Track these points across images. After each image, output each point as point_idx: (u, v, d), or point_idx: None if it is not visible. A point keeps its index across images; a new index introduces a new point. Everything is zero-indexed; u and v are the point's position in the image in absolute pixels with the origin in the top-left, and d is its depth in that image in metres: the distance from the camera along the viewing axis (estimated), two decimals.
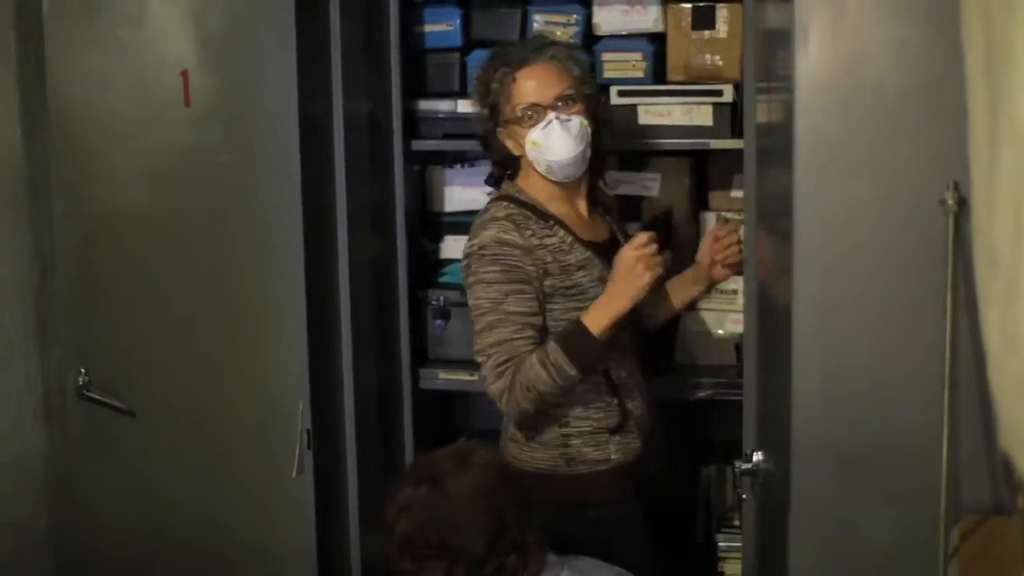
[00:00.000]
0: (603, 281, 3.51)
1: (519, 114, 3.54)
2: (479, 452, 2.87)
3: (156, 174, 3.98)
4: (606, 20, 4.12)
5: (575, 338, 3.40)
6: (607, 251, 3.59)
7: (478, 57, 4.17)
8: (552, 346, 3.41)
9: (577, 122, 3.53)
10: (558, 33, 4.13)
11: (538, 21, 4.18)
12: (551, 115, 3.52)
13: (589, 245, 3.60)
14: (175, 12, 3.92)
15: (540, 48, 3.61)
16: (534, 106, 3.54)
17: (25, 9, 4.02)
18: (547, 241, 3.54)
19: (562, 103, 3.54)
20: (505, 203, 3.59)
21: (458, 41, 4.23)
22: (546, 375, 3.38)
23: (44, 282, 4.15)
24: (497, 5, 4.24)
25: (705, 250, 3.82)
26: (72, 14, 3.95)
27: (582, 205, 3.68)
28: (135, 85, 3.96)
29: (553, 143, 3.52)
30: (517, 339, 3.45)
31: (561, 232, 3.57)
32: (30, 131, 4.08)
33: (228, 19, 3.89)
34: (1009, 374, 1.96)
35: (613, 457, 3.63)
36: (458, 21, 4.22)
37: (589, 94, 3.63)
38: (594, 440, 3.60)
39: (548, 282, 3.52)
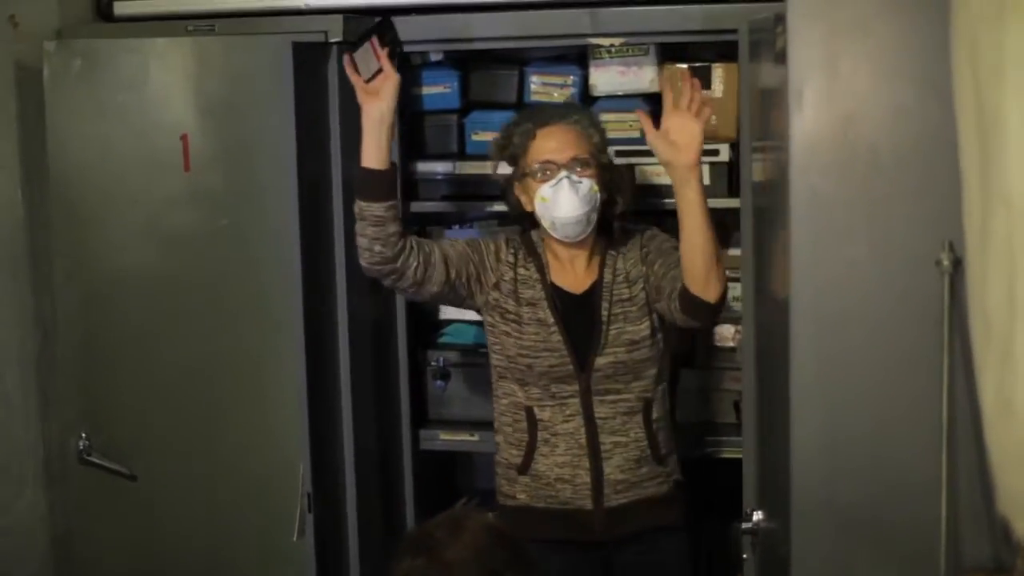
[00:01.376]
0: (542, 324, 3.69)
1: (534, 168, 3.67)
2: (472, 516, 2.86)
3: (156, 238, 3.99)
4: (602, 81, 4.14)
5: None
6: (578, 300, 3.73)
7: (476, 119, 4.21)
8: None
9: (587, 185, 3.64)
10: (555, 95, 4.16)
11: (535, 83, 4.21)
12: (563, 173, 3.64)
13: (558, 292, 3.74)
14: (175, 77, 3.95)
15: (566, 113, 3.77)
16: (548, 163, 3.65)
17: (26, 73, 4.04)
18: (520, 270, 3.76)
19: (576, 165, 3.64)
20: (511, 232, 3.92)
21: (456, 103, 4.25)
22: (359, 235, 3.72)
23: (45, 346, 4.16)
24: (495, 67, 4.27)
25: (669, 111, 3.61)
26: (72, 79, 3.97)
27: (579, 263, 3.75)
28: (135, 150, 3.98)
29: (560, 200, 3.63)
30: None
31: (536, 273, 3.75)
32: (31, 195, 4.10)
33: (227, 84, 3.91)
34: (1005, 439, 1.97)
35: (520, 497, 3.77)
36: (456, 83, 4.25)
37: (605, 163, 3.74)
38: (506, 475, 3.81)
39: (494, 295, 3.76)
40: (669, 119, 3.53)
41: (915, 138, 2.80)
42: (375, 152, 3.66)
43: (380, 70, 3.67)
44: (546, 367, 3.69)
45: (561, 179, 3.63)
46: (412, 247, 3.68)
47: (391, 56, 3.69)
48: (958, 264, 2.70)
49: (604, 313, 3.69)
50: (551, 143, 3.68)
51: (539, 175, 3.66)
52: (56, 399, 4.16)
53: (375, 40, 3.69)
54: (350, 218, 3.95)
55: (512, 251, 3.79)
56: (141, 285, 4.02)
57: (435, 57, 4.36)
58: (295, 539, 3.90)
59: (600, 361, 3.67)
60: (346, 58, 3.69)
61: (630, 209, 3.84)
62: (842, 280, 2.87)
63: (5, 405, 4.06)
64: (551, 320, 3.69)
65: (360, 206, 3.66)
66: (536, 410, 3.72)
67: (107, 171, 4.01)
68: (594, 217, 3.67)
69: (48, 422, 4.18)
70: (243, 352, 3.97)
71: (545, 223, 3.69)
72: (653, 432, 3.72)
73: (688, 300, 3.57)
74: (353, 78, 3.67)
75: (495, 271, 3.77)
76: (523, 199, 3.75)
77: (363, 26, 3.83)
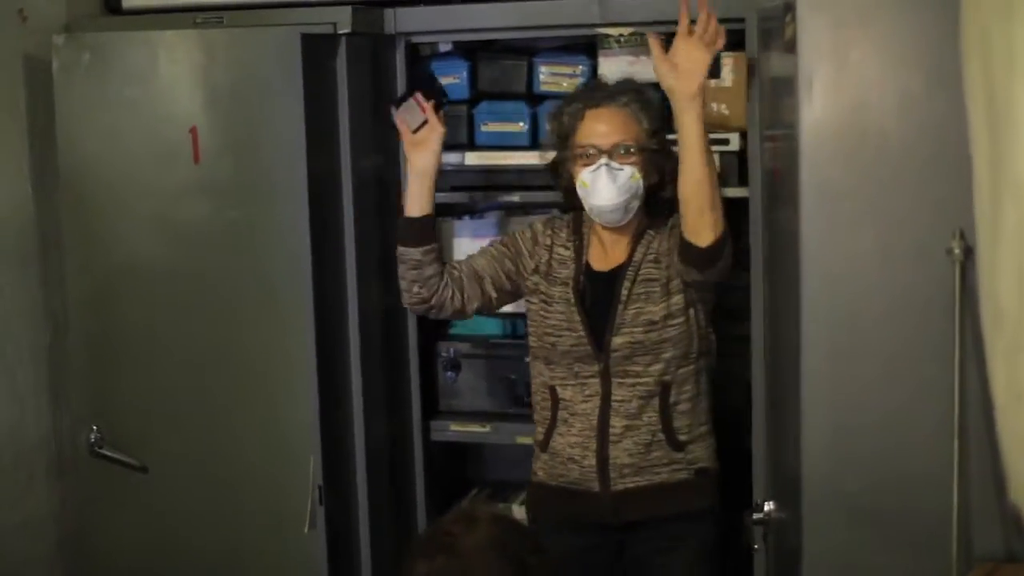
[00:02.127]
0: (568, 304, 3.70)
1: (578, 151, 3.66)
2: (483, 508, 2.86)
3: (166, 231, 3.99)
4: (611, 71, 4.12)
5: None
6: (604, 278, 3.72)
7: (485, 109, 4.20)
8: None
9: (628, 173, 3.62)
10: (564, 85, 4.15)
11: (544, 73, 4.20)
12: (603, 160, 3.62)
13: (588, 272, 3.74)
14: (184, 70, 3.94)
15: (617, 93, 3.72)
16: (592, 147, 3.64)
17: (35, 67, 4.05)
18: (557, 251, 3.78)
19: (619, 151, 3.63)
20: (559, 213, 3.96)
21: (465, 93, 4.24)
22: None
23: (56, 340, 4.16)
24: (504, 57, 4.26)
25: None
26: (82, 72, 3.97)
27: (621, 245, 3.73)
28: (144, 142, 3.97)
29: (599, 188, 3.62)
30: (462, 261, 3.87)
31: (574, 254, 3.75)
32: (41, 189, 4.10)
33: (236, 76, 3.91)
34: (1017, 428, 1.96)
35: (539, 474, 3.79)
36: (465, 74, 4.24)
37: (654, 149, 3.69)
38: (534, 452, 3.84)
39: (533, 279, 3.79)
40: (679, 44, 3.48)
41: (925, 127, 2.79)
42: (418, 202, 3.76)
43: (426, 121, 3.75)
44: (568, 346, 3.69)
45: (600, 166, 3.61)
46: (448, 282, 3.76)
47: (436, 108, 3.77)
48: (969, 253, 2.70)
49: (624, 293, 3.66)
50: (598, 126, 3.66)
51: (582, 159, 3.66)
52: (67, 392, 4.16)
53: (419, 94, 3.77)
54: (360, 210, 3.96)
55: (551, 232, 3.82)
56: (151, 278, 4.02)
57: (444, 47, 4.36)
58: (306, 531, 3.90)
59: (616, 341, 3.65)
60: (393, 111, 3.77)
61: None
62: (852, 269, 2.87)
63: (16, 399, 4.07)
64: (573, 299, 3.69)
65: (400, 250, 3.77)
66: (559, 389, 3.73)
67: (116, 164, 4.01)
68: (635, 205, 3.65)
69: (59, 415, 4.19)
70: (254, 344, 3.97)
71: (585, 207, 3.69)
72: (669, 417, 3.66)
73: (682, 246, 3.54)
74: (401, 128, 3.76)
75: (533, 256, 3.80)
76: (574, 179, 3.73)
77: (408, 84, 3.94)
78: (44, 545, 4.18)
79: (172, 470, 4.07)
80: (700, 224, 3.47)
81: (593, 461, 3.67)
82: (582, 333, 3.67)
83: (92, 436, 4.07)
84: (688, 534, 3.72)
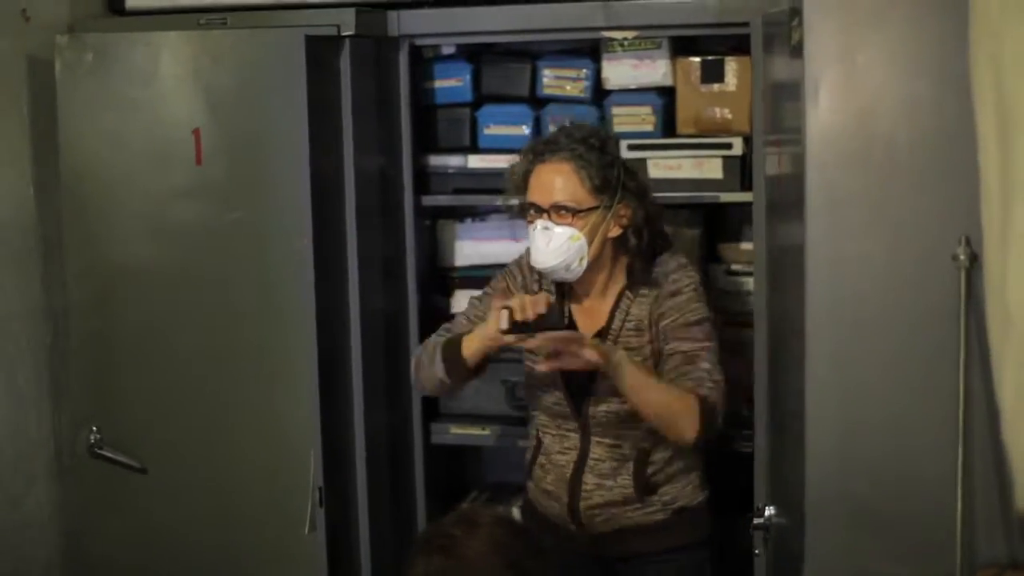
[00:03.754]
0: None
1: (527, 206, 3.56)
2: (484, 511, 2.86)
3: (168, 232, 3.99)
4: (615, 74, 4.13)
5: (455, 342, 3.58)
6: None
7: (488, 112, 4.20)
8: (443, 340, 3.64)
9: (565, 234, 3.48)
10: (568, 88, 4.15)
11: (548, 76, 4.21)
12: (539, 222, 3.51)
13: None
14: (186, 71, 3.94)
15: (564, 147, 3.53)
16: (532, 205, 3.54)
17: (38, 67, 4.04)
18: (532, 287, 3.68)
19: (557, 211, 3.50)
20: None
21: (468, 96, 4.25)
22: (426, 351, 3.66)
23: (56, 340, 4.16)
24: (507, 61, 4.26)
25: None
26: (84, 74, 3.97)
27: (598, 308, 3.63)
28: (147, 144, 3.97)
29: (536, 248, 3.53)
30: (462, 319, 3.73)
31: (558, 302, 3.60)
32: (43, 190, 4.10)
33: (239, 77, 3.90)
34: None
35: (531, 490, 3.80)
36: (468, 77, 4.25)
37: (605, 206, 3.51)
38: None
39: None
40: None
41: (932, 132, 2.79)
42: (477, 357, 3.55)
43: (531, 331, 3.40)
44: (550, 403, 3.66)
45: (537, 226, 3.50)
46: None
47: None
48: (975, 259, 2.69)
49: None
50: (539, 183, 3.53)
51: (528, 214, 3.56)
52: (67, 393, 4.16)
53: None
54: (362, 212, 3.96)
55: (537, 276, 3.69)
56: (152, 279, 4.02)
57: (447, 50, 4.36)
58: (306, 533, 3.90)
59: (595, 410, 3.59)
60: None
61: (656, 244, 3.64)
62: (858, 274, 2.86)
63: (16, 399, 4.06)
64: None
65: (441, 367, 3.59)
66: (541, 434, 3.71)
67: (119, 165, 4.01)
68: (578, 266, 3.50)
69: (59, 416, 4.18)
70: (255, 345, 3.97)
71: None
72: (645, 478, 3.59)
73: None
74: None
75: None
76: None
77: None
78: (44, 545, 4.17)
79: (172, 471, 4.06)
80: (677, 432, 3.45)
81: (565, 510, 3.65)
82: (562, 396, 3.62)
83: (92, 437, 4.06)
84: (676, 564, 3.68)
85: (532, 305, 3.36)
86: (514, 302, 3.38)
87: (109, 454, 4.06)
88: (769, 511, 3.38)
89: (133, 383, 4.07)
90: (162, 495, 4.07)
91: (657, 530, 3.64)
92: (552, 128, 4.00)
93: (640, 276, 3.60)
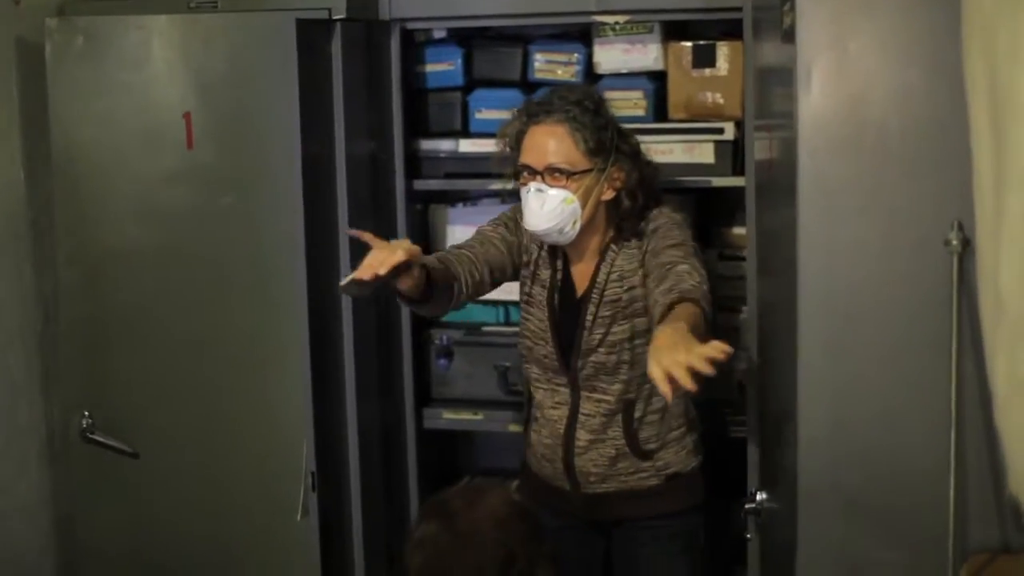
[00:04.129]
0: (544, 313, 3.61)
1: (520, 168, 3.55)
2: (493, 489, 2.87)
3: (159, 216, 3.98)
4: (607, 59, 4.13)
5: None
6: (573, 301, 3.61)
7: (479, 96, 4.20)
8: None
9: (559, 196, 3.46)
10: (559, 72, 4.15)
11: (539, 60, 4.20)
12: (533, 184, 3.49)
13: (564, 286, 3.63)
14: (178, 55, 3.93)
15: (558, 109, 3.51)
16: (526, 167, 3.52)
17: (27, 51, 4.03)
18: (544, 250, 3.65)
19: (551, 174, 3.47)
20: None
21: (459, 81, 4.24)
22: None
23: (47, 325, 4.15)
24: (498, 45, 4.26)
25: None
26: (75, 57, 3.96)
27: (588, 257, 3.61)
28: (138, 128, 3.96)
29: (528, 211, 3.50)
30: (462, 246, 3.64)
31: (554, 259, 3.64)
32: (33, 173, 4.09)
33: (230, 61, 3.89)
34: (1017, 419, 1.96)
35: (529, 458, 3.80)
36: (459, 61, 4.24)
37: (599, 168, 3.50)
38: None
39: (523, 271, 3.69)
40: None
41: (924, 118, 2.79)
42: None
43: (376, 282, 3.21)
44: (541, 355, 3.66)
45: (530, 189, 3.48)
46: (461, 287, 3.53)
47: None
48: (967, 244, 2.70)
49: (589, 318, 3.56)
50: (533, 145, 3.51)
51: (522, 176, 3.53)
52: (58, 378, 4.15)
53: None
54: (354, 195, 3.96)
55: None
56: (143, 263, 4.01)
57: (439, 34, 4.36)
58: (299, 518, 3.90)
59: (582, 361, 3.59)
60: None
61: (649, 204, 3.60)
62: (849, 260, 2.86)
63: (7, 384, 4.06)
64: (547, 315, 3.64)
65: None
66: (534, 388, 3.72)
67: (109, 149, 4.00)
68: (571, 229, 3.49)
69: (50, 401, 4.18)
70: (246, 330, 3.96)
71: None
72: (634, 432, 3.60)
73: None
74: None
75: (527, 250, 3.69)
76: None
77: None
78: (36, 530, 4.18)
79: (164, 456, 4.06)
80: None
81: (561, 467, 3.66)
82: (552, 348, 3.63)
83: (84, 422, 4.06)
84: (669, 529, 3.69)
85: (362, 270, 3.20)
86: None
87: (100, 439, 4.06)
88: (761, 496, 3.39)
89: (124, 368, 4.07)
90: (154, 480, 4.07)
91: (651, 495, 3.65)
92: None
93: (628, 230, 3.58)
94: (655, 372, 2.79)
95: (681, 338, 2.91)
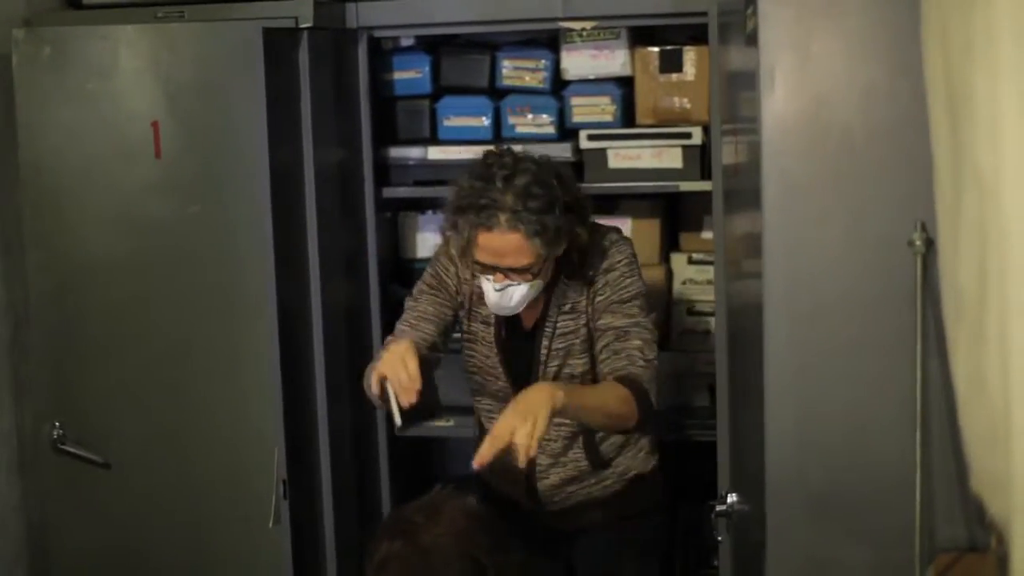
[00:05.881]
0: (490, 349, 3.55)
1: (478, 263, 3.36)
2: (450, 501, 2.87)
3: (128, 225, 3.98)
4: (574, 65, 4.15)
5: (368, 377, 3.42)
6: (524, 334, 3.55)
7: (447, 104, 4.20)
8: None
9: (524, 287, 3.36)
10: (527, 78, 4.16)
11: (507, 67, 4.22)
12: (498, 283, 3.35)
13: (511, 325, 3.56)
14: (145, 64, 3.93)
15: (505, 209, 3.25)
16: (488, 267, 3.34)
17: None
18: (477, 285, 3.47)
19: (518, 271, 3.33)
20: None
21: (427, 88, 4.26)
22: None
23: (18, 334, 4.14)
24: (466, 52, 4.27)
25: None
26: (42, 67, 3.95)
27: (535, 300, 3.50)
28: (106, 137, 3.96)
29: (494, 301, 3.39)
30: (403, 325, 3.53)
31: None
32: (1, 183, 4.07)
33: (198, 70, 3.90)
34: (977, 418, 1.97)
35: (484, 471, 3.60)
36: (427, 68, 4.25)
37: (553, 255, 3.37)
38: None
39: (460, 313, 3.59)
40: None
41: (887, 119, 2.79)
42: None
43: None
44: (495, 390, 3.60)
45: (492, 284, 3.35)
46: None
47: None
48: (930, 244, 2.71)
49: (544, 352, 3.50)
50: (489, 249, 3.30)
51: (479, 268, 3.37)
52: (29, 388, 4.14)
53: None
54: (322, 204, 3.96)
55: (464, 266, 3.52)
56: (113, 272, 4.01)
57: (406, 42, 4.37)
58: (271, 526, 3.90)
59: None
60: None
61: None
62: (815, 262, 2.86)
63: None
64: (495, 352, 3.56)
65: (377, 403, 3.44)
66: (485, 419, 3.65)
67: (78, 159, 4.00)
68: (531, 299, 3.41)
69: (21, 411, 4.16)
70: (217, 339, 3.97)
71: None
72: (596, 450, 3.59)
73: None
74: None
75: (458, 290, 3.56)
76: None
77: None
78: (7, 540, 4.16)
79: (135, 465, 4.06)
80: (621, 427, 3.38)
81: (522, 489, 3.64)
82: (506, 383, 3.56)
83: (55, 432, 4.05)
84: (632, 532, 3.69)
85: (404, 395, 3.21)
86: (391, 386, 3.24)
87: (72, 449, 4.05)
88: (731, 498, 3.40)
89: (95, 378, 4.07)
90: (125, 489, 4.07)
91: (613, 499, 3.66)
92: (511, 121, 4.02)
93: (577, 267, 3.48)
94: (510, 437, 3.04)
95: (541, 407, 3.06)
